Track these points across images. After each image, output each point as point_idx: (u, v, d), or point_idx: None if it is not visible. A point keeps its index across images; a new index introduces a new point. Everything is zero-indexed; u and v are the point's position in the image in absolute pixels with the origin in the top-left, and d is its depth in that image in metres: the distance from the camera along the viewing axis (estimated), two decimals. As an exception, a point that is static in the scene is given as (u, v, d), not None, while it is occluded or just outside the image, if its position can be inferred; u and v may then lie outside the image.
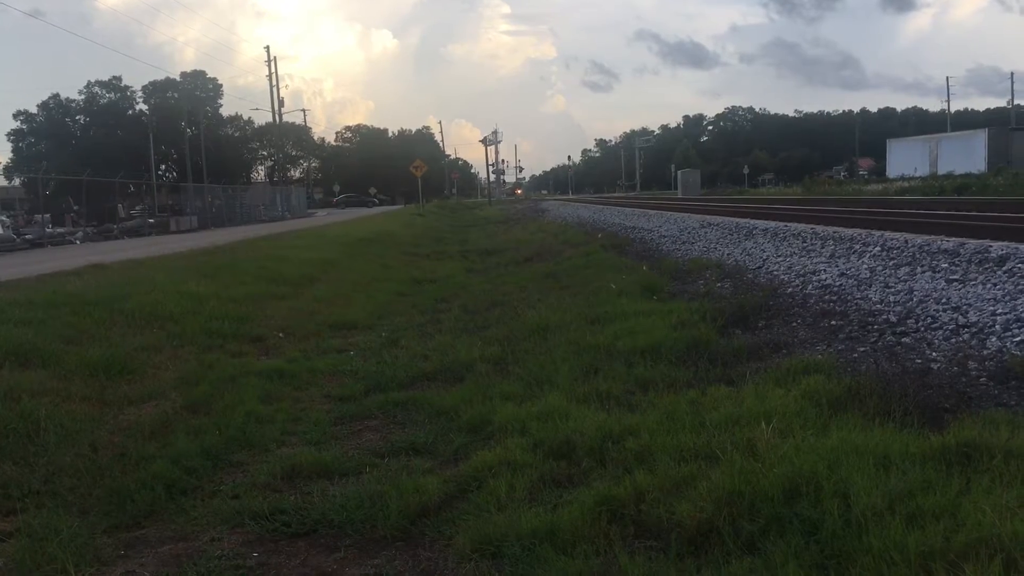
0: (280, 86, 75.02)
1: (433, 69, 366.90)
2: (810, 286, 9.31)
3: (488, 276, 16.14)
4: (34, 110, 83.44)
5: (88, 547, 4.02)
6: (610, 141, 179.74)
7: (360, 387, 7.24)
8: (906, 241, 9.83)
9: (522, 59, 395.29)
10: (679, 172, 75.26)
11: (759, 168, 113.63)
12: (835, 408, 4.86)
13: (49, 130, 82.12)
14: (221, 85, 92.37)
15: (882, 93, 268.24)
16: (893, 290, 8.10)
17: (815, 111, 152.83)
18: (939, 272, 8.25)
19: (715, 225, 17.59)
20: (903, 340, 6.57)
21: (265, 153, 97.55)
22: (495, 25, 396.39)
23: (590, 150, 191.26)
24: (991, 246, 8.43)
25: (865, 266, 9.50)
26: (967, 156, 52.20)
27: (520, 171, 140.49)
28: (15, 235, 28.04)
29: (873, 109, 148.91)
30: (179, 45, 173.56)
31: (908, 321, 7.01)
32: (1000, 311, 6.56)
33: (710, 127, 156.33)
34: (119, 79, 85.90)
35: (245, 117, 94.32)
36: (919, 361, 5.90)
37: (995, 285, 7.30)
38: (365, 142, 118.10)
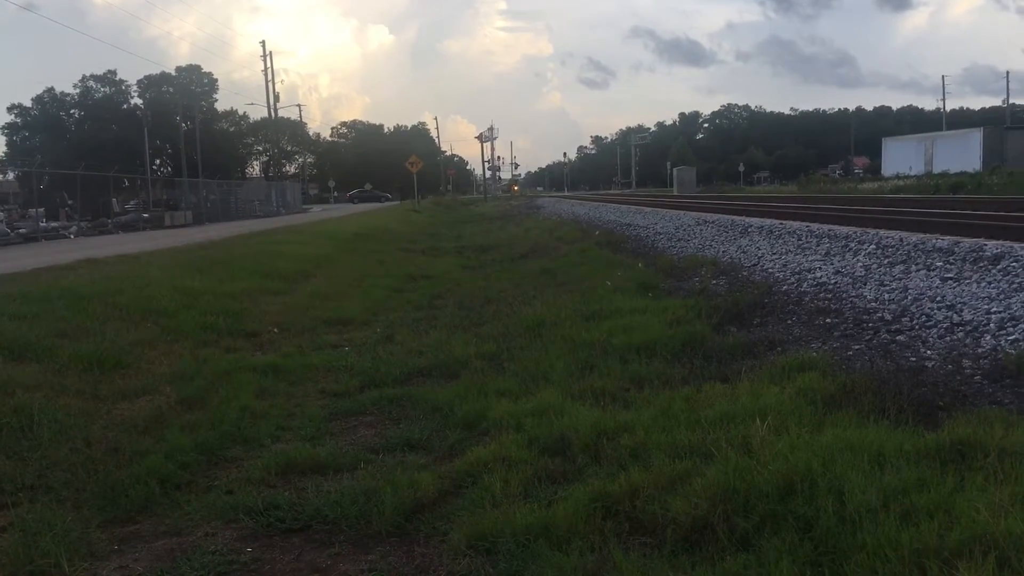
0: (276, 81, 75.07)
1: (429, 65, 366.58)
2: (805, 284, 9.33)
3: (483, 272, 16.14)
4: (28, 104, 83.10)
5: (82, 542, 4.01)
6: (606, 138, 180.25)
7: (355, 383, 7.23)
8: (901, 239, 9.85)
9: (518, 55, 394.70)
10: (675, 169, 75.44)
11: (755, 166, 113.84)
12: (830, 405, 4.87)
13: (43, 124, 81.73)
14: (216, 80, 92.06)
15: (878, 91, 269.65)
16: (888, 288, 8.12)
17: (811, 109, 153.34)
18: (934, 270, 8.27)
19: (710, 222, 17.61)
20: (898, 338, 6.58)
21: (260, 148, 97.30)
22: (491, 21, 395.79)
23: (586, 147, 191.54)
24: (986, 245, 8.45)
25: (860, 264, 9.52)
26: (962, 155, 52.36)
27: (516, 168, 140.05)
28: (9, 229, 27.90)
29: (869, 107, 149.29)
30: (174, 39, 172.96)
31: (903, 319, 7.03)
32: (995, 309, 6.58)
33: (706, 125, 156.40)
34: (114, 73, 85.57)
35: (240, 112, 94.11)
36: (913, 359, 5.91)
37: (990, 284, 7.32)
38: (361, 138, 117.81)
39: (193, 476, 5.00)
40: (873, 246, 10.09)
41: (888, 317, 7.19)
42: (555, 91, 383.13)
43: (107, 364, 7.09)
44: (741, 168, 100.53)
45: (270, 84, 73.16)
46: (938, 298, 7.30)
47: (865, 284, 8.54)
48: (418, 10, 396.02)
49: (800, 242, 12.09)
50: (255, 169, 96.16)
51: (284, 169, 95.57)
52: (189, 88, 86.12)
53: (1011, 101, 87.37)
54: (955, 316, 6.71)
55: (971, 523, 3.08)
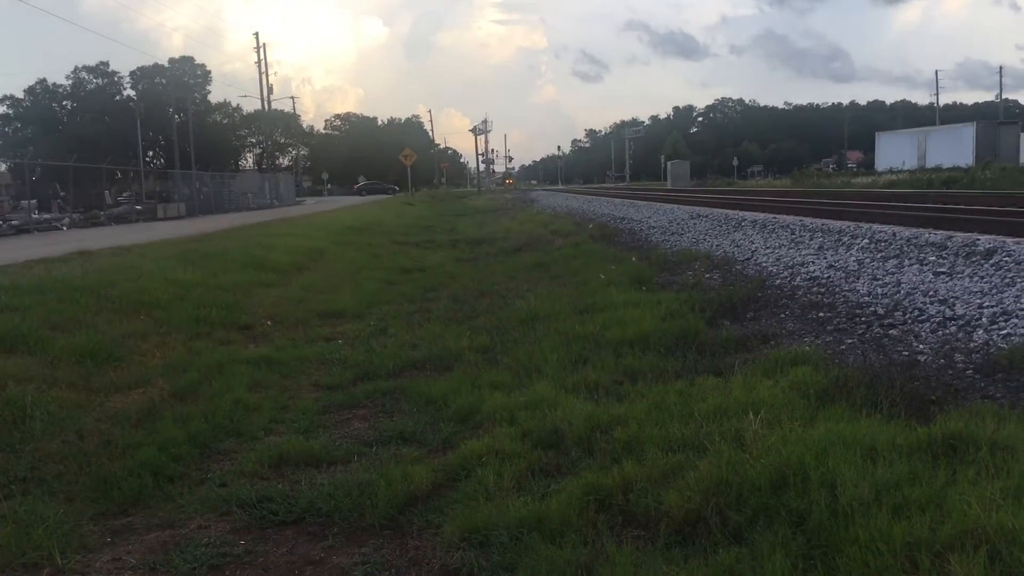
0: (269, 73, 74.34)
1: (423, 57, 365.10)
2: (798, 278, 9.34)
3: (477, 265, 16.13)
4: (20, 95, 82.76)
5: (74, 534, 4.00)
6: (600, 131, 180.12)
7: (348, 375, 7.22)
8: (894, 234, 9.87)
9: (512, 48, 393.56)
10: (669, 163, 75.43)
11: (748, 160, 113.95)
12: (822, 399, 4.89)
13: (36, 115, 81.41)
14: (209, 72, 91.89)
15: (871, 86, 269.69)
16: (881, 283, 8.14)
17: (804, 103, 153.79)
18: (927, 265, 8.30)
19: (704, 216, 17.62)
20: (890, 332, 6.60)
21: (253, 140, 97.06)
22: (486, 14, 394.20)
23: (580, 140, 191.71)
24: (978, 239, 8.48)
25: (853, 258, 9.54)
26: (955, 149, 52.38)
27: (510, 161, 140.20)
28: (1, 221, 27.76)
29: (862, 102, 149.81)
30: (167, 31, 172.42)
31: (895, 313, 7.05)
32: (987, 304, 6.60)
33: (700, 118, 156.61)
34: (106, 64, 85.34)
35: (233, 104, 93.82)
36: (906, 353, 5.93)
37: (982, 278, 7.34)
38: (354, 130, 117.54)
39: (186, 469, 4.99)
40: (866, 240, 10.11)
41: (881, 311, 7.21)
42: (549, 84, 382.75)
43: (100, 356, 7.06)
44: (735, 162, 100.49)
45: (263, 76, 72.64)
46: (931, 292, 7.32)
47: (858, 278, 8.56)
48: (412, 2, 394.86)
49: (793, 236, 12.11)
50: (248, 161, 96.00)
51: (277, 161, 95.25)
52: (182, 80, 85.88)
53: (1004, 96, 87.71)
54: (948, 310, 6.73)
55: (963, 517, 3.09)
